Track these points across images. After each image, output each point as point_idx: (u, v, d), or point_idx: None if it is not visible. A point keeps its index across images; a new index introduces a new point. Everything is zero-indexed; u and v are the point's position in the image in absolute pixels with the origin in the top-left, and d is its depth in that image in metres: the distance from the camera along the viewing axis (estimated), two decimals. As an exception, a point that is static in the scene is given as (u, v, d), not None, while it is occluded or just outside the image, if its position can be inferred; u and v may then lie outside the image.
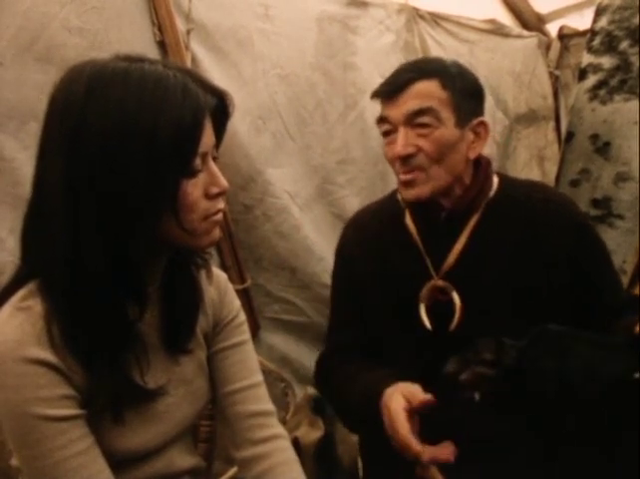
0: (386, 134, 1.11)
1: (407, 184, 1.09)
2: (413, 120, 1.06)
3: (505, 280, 1.10)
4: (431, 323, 1.11)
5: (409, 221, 1.18)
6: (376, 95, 1.11)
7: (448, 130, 1.06)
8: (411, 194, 1.09)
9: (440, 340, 1.08)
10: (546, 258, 1.10)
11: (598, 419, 0.82)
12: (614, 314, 1.11)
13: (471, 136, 1.10)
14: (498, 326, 1.05)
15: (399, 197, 1.20)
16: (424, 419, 1.11)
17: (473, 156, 1.11)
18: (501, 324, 1.05)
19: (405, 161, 1.06)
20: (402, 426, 0.92)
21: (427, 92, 1.05)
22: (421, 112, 1.05)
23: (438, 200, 1.11)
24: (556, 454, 0.89)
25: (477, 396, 0.89)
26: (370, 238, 1.22)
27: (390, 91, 1.08)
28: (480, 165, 1.14)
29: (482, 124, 1.11)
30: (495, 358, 0.87)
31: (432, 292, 1.12)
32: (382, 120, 1.11)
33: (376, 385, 1.03)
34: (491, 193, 1.15)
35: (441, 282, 1.11)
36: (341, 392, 1.17)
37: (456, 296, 1.09)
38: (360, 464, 1.38)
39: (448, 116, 1.06)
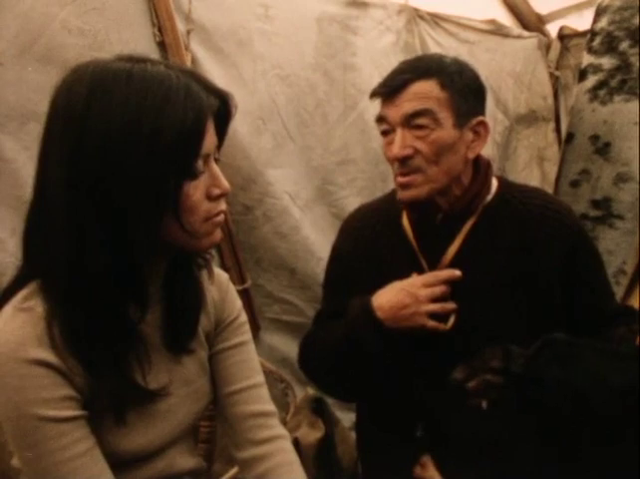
0: (384, 133, 1.11)
1: (404, 186, 1.09)
2: (410, 121, 1.05)
3: (498, 286, 1.10)
4: None
5: (405, 221, 1.18)
6: (374, 95, 1.11)
7: (445, 131, 1.05)
8: (408, 195, 1.09)
9: (430, 341, 1.08)
10: (540, 265, 1.10)
11: (607, 428, 0.82)
12: (605, 322, 1.11)
13: (470, 135, 1.09)
14: (490, 330, 1.06)
15: (397, 197, 1.20)
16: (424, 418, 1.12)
17: (472, 156, 1.11)
18: (493, 328, 1.06)
19: (402, 162, 1.06)
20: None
21: (424, 93, 1.05)
22: (418, 114, 1.04)
23: (435, 200, 1.10)
24: (558, 457, 0.89)
25: (484, 404, 0.89)
26: (366, 236, 1.23)
27: (387, 91, 1.08)
28: (480, 166, 1.14)
29: (482, 123, 1.10)
30: (503, 366, 0.87)
31: None
32: (380, 119, 1.11)
33: (357, 303, 1.11)
34: (490, 196, 1.14)
35: None
36: (321, 345, 1.19)
37: (449, 299, 1.09)
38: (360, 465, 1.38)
39: (446, 116, 1.05)
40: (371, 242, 1.20)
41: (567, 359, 0.86)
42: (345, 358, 1.11)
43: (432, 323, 1.06)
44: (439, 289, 1.07)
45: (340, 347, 1.11)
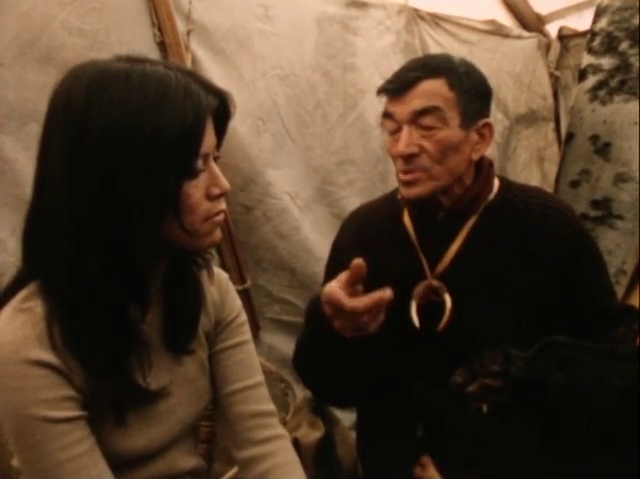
0: (390, 130, 1.10)
1: (407, 183, 1.08)
2: (417, 119, 1.05)
3: (499, 285, 1.10)
4: (421, 322, 1.10)
5: (407, 219, 1.18)
6: (382, 91, 1.10)
7: (452, 131, 1.05)
8: (411, 193, 1.08)
9: (428, 340, 1.08)
10: (541, 265, 1.09)
11: (607, 429, 0.82)
12: (606, 321, 1.11)
13: (475, 137, 1.09)
14: (490, 330, 1.06)
15: (399, 196, 1.20)
16: (424, 420, 1.12)
17: (476, 157, 1.11)
18: (493, 328, 1.06)
19: (407, 160, 1.06)
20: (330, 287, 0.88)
21: (433, 91, 1.05)
22: (426, 111, 1.04)
23: (437, 198, 1.10)
24: (558, 458, 0.89)
25: (484, 408, 0.89)
26: (367, 234, 1.22)
27: (396, 88, 1.07)
28: (482, 166, 1.14)
29: (488, 125, 1.10)
30: (503, 370, 0.87)
31: (425, 292, 1.11)
32: (387, 116, 1.10)
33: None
34: (491, 195, 1.15)
35: (435, 283, 1.11)
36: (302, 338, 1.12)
37: (447, 298, 1.08)
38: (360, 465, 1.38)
39: (453, 116, 1.05)
40: (372, 240, 1.20)
41: (567, 361, 0.86)
42: (314, 350, 1.03)
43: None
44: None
45: (310, 338, 1.04)
